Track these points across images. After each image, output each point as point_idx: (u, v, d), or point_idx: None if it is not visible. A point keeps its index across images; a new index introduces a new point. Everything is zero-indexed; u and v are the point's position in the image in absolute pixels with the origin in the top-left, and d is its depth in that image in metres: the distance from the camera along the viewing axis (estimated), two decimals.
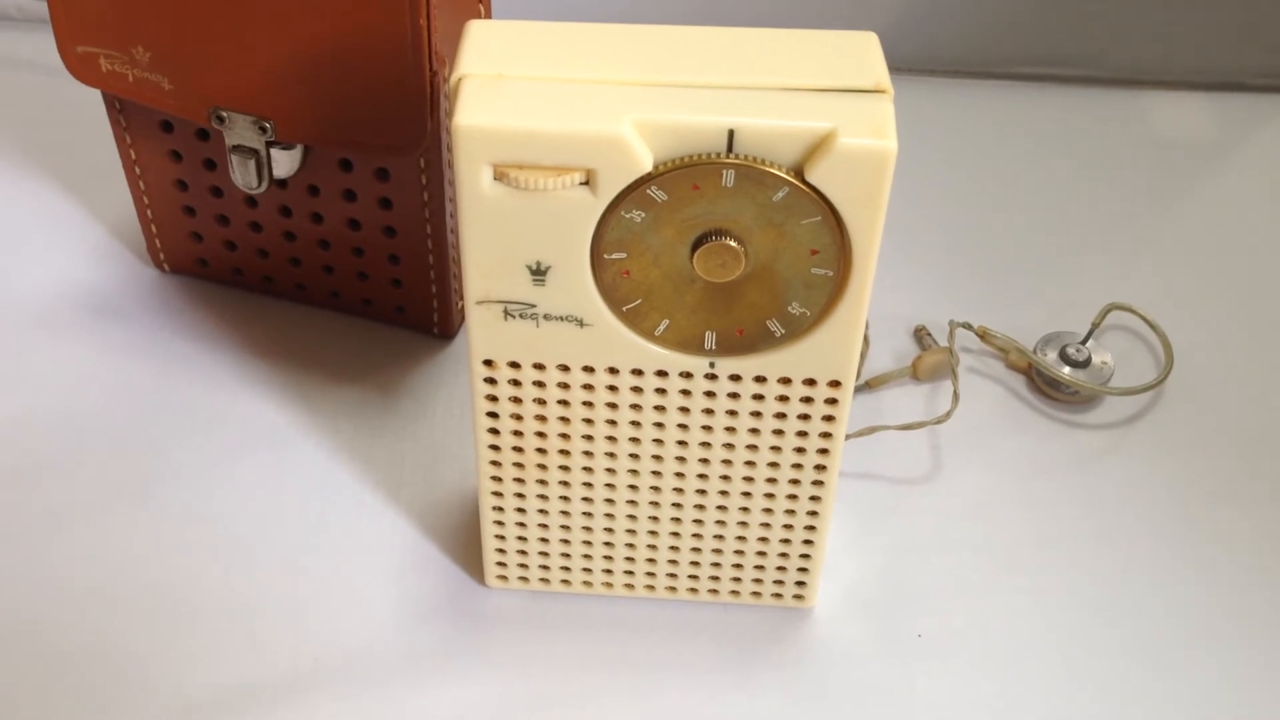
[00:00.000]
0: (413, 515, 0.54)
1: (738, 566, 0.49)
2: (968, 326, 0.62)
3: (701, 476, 0.46)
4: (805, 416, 0.44)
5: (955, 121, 0.78)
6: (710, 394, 0.43)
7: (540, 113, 0.37)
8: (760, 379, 0.43)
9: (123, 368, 0.60)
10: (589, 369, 0.43)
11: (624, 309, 0.41)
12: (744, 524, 0.48)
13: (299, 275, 0.62)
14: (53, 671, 0.49)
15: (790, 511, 0.47)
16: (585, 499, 0.47)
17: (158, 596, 0.51)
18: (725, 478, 0.46)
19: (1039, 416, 0.60)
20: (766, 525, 0.48)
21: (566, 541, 0.49)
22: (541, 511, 0.48)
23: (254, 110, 0.54)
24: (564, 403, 0.44)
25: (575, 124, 0.37)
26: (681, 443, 0.45)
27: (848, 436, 0.55)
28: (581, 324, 0.42)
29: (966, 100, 0.79)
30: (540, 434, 0.45)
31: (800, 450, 0.45)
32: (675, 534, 0.48)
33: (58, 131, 0.73)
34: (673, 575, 0.50)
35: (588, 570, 0.50)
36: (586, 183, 0.38)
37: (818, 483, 0.46)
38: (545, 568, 0.50)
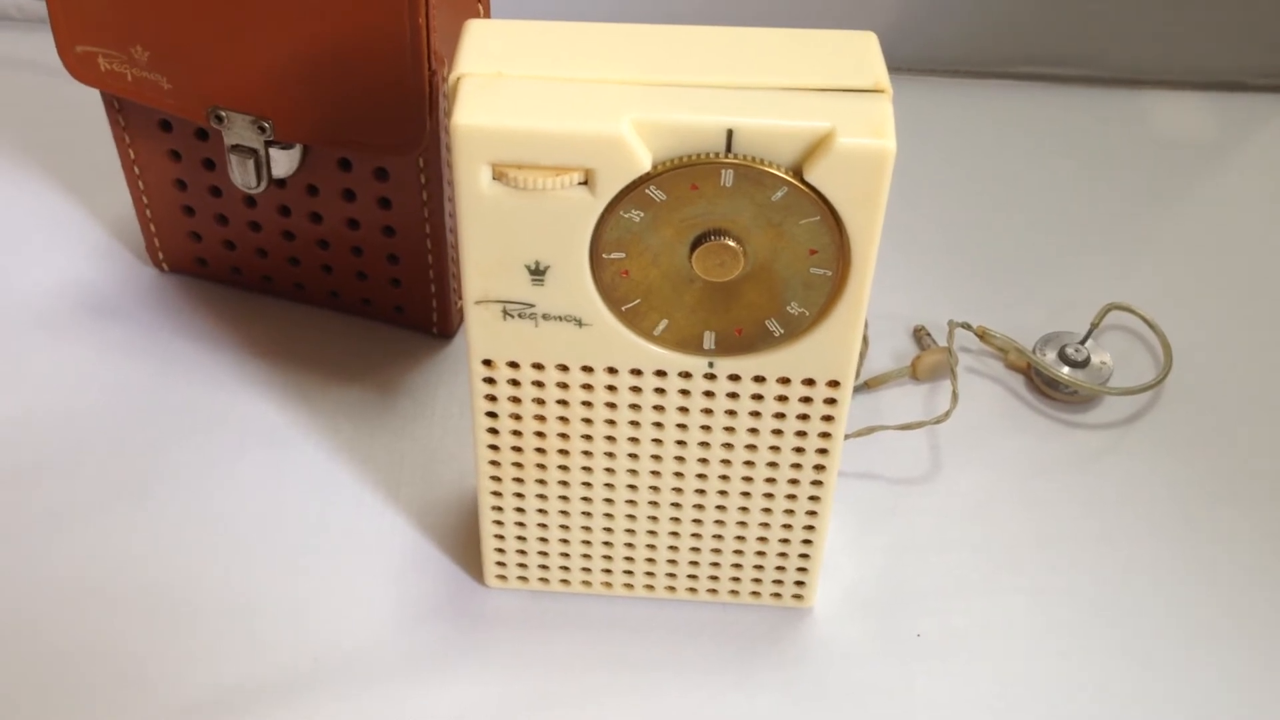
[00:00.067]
0: (412, 515, 0.54)
1: (737, 566, 0.49)
2: (967, 326, 0.62)
3: (700, 476, 0.46)
4: (804, 416, 0.44)
5: (955, 121, 0.78)
6: (709, 394, 0.43)
7: (539, 112, 0.37)
8: (759, 379, 0.43)
9: (122, 367, 0.60)
10: (588, 369, 0.43)
11: (623, 309, 0.41)
12: (743, 524, 0.48)
13: (298, 275, 0.62)
14: (53, 671, 0.49)
15: (789, 511, 0.47)
16: (584, 499, 0.47)
17: (157, 596, 0.51)
18: (724, 477, 0.46)
19: (1038, 416, 0.60)
20: (766, 525, 0.48)
21: (566, 541, 0.49)
22: (541, 511, 0.48)
23: (253, 110, 0.54)
24: (563, 402, 0.44)
25: (574, 123, 0.37)
26: (680, 442, 0.45)
27: (847, 436, 0.55)
28: (580, 324, 0.42)
29: (966, 100, 0.79)
30: (539, 434, 0.45)
31: (799, 450, 0.45)
32: (674, 534, 0.48)
33: (57, 131, 0.73)
34: (672, 575, 0.50)
35: (587, 570, 0.50)
36: (585, 182, 0.38)
37: (817, 482, 0.46)
38: (545, 567, 0.50)
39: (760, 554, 0.49)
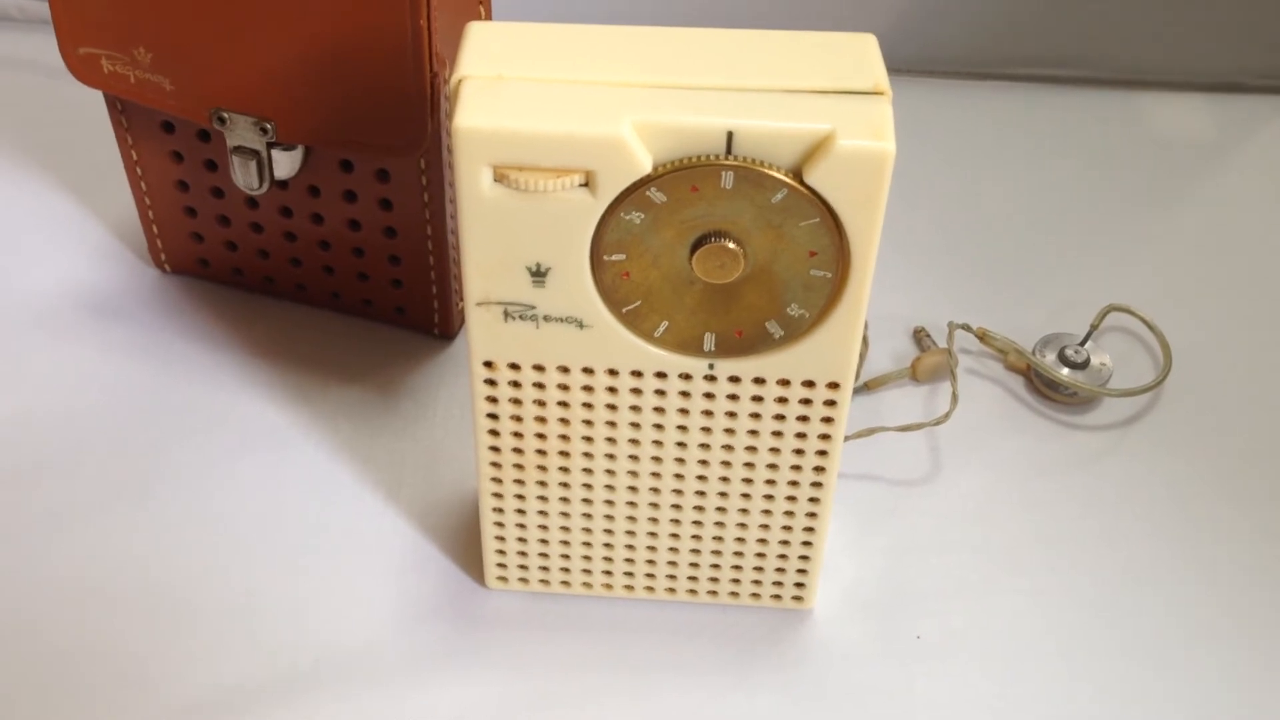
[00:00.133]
0: (413, 516, 0.54)
1: (737, 568, 0.49)
2: (967, 328, 0.62)
3: (701, 478, 0.46)
4: (804, 418, 0.44)
5: (954, 122, 0.78)
6: (709, 395, 0.43)
7: (540, 114, 0.37)
8: (759, 380, 0.43)
9: (123, 368, 0.60)
10: (589, 370, 0.43)
11: (623, 310, 0.41)
12: (743, 525, 0.48)
13: (299, 276, 0.62)
14: (53, 671, 0.49)
15: (789, 513, 0.47)
16: (585, 500, 0.47)
17: (158, 596, 0.51)
18: (724, 479, 0.46)
19: (1038, 417, 0.60)
20: (766, 526, 0.48)
21: (566, 543, 0.49)
22: (541, 513, 0.48)
23: (255, 111, 0.54)
24: (564, 404, 0.44)
25: (575, 126, 0.37)
26: (681, 444, 0.45)
27: (847, 438, 0.55)
28: (581, 325, 0.42)
29: (966, 101, 0.79)
30: (540, 435, 0.45)
31: (799, 451, 0.45)
32: (675, 535, 0.48)
33: (59, 132, 0.73)
34: (672, 576, 0.50)
35: (587, 571, 0.50)
36: (586, 184, 0.38)
37: (817, 484, 0.46)
38: (545, 569, 0.50)
39: (760, 555, 0.49)
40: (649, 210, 0.39)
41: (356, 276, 0.61)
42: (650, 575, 0.50)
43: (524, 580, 0.51)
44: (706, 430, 0.44)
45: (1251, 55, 0.80)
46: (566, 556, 0.50)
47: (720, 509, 0.47)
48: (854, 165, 0.37)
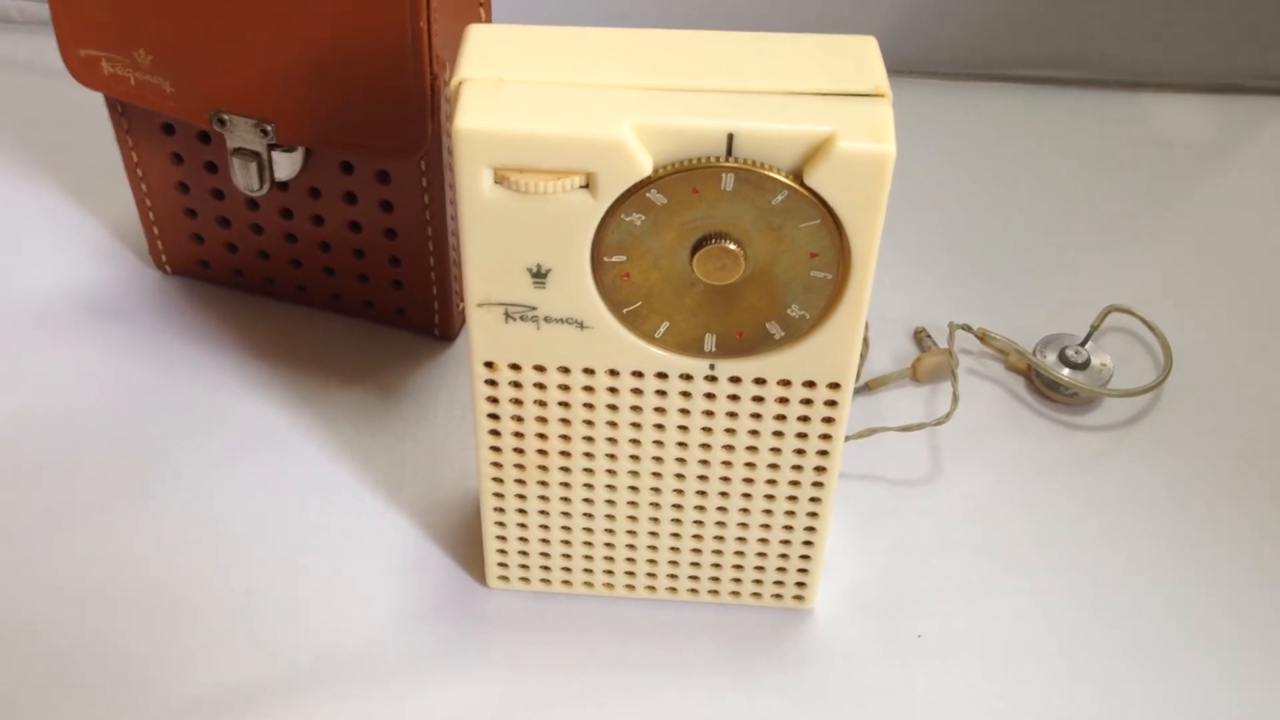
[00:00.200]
0: (413, 516, 0.54)
1: (738, 568, 0.49)
2: (967, 328, 0.62)
3: (702, 478, 0.46)
4: (805, 418, 0.44)
5: (955, 123, 0.78)
6: (710, 396, 0.43)
7: (540, 116, 0.37)
8: (760, 381, 0.43)
9: (123, 368, 0.60)
10: (589, 371, 0.43)
11: (624, 311, 0.41)
12: (744, 525, 0.48)
13: (300, 277, 0.62)
14: (53, 671, 0.49)
15: (790, 513, 0.47)
16: (586, 500, 0.47)
17: (158, 596, 0.51)
18: (725, 479, 0.46)
19: (1038, 418, 0.60)
20: (766, 526, 0.48)
21: (567, 543, 0.49)
22: (542, 513, 0.48)
23: (255, 113, 0.54)
24: (564, 404, 0.44)
25: (575, 128, 0.37)
26: (682, 444, 0.45)
27: (847, 438, 0.55)
28: (582, 326, 0.42)
29: (966, 102, 0.79)
30: (541, 435, 0.45)
31: (800, 452, 0.45)
32: (675, 535, 0.48)
33: (59, 134, 0.73)
34: (673, 576, 0.50)
35: (588, 571, 0.50)
36: (586, 186, 0.38)
37: (818, 484, 0.46)
38: (546, 568, 0.50)
39: (761, 555, 0.49)
40: (649, 212, 0.39)
41: (357, 278, 0.61)
42: (651, 575, 0.50)
43: (525, 580, 0.51)
44: (707, 431, 0.44)
45: (1251, 56, 0.80)
46: (567, 556, 0.50)
47: (721, 509, 0.47)
48: (854, 167, 0.37)
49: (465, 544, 0.53)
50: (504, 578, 0.51)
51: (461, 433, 0.58)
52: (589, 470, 0.46)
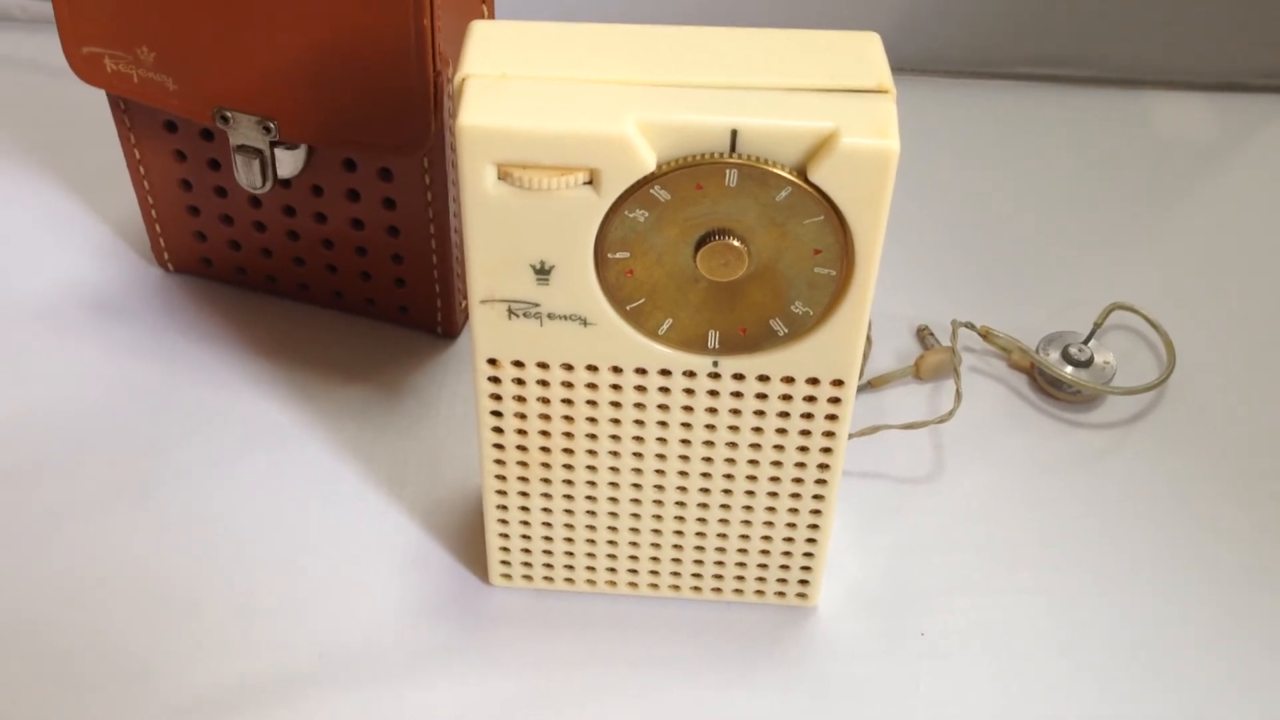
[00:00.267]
0: (416, 514, 0.54)
1: (741, 565, 0.49)
2: (970, 326, 0.62)
3: (705, 475, 0.46)
4: (808, 415, 0.44)
5: (957, 121, 0.78)
6: (713, 393, 0.43)
7: (544, 113, 0.37)
8: (763, 378, 0.43)
9: (126, 366, 0.60)
10: (592, 368, 0.43)
11: (627, 308, 0.41)
12: (747, 523, 0.48)
13: (302, 275, 0.62)
14: (53, 671, 0.49)
15: (793, 510, 0.47)
16: (589, 497, 0.47)
17: (159, 595, 0.51)
18: (728, 476, 0.46)
19: (1041, 416, 0.60)
20: (769, 524, 0.48)
21: (570, 540, 0.49)
22: (545, 510, 0.48)
23: (258, 110, 0.54)
24: (567, 401, 0.44)
25: (579, 124, 0.37)
26: (685, 441, 0.45)
27: (850, 436, 0.55)
28: (585, 323, 0.42)
29: (968, 100, 0.79)
30: (544, 433, 0.45)
31: (803, 449, 0.45)
32: (679, 532, 0.48)
33: (62, 131, 0.73)
34: (676, 574, 0.50)
35: (591, 569, 0.50)
36: (590, 182, 0.38)
37: (821, 481, 0.46)
38: (549, 566, 0.50)
39: (764, 553, 0.49)
40: (653, 208, 0.39)
41: (360, 275, 0.61)
42: (654, 572, 0.50)
43: (527, 578, 0.51)
44: (710, 428, 0.44)
45: (1253, 54, 0.80)
46: (570, 554, 0.50)
47: (724, 506, 0.47)
48: (858, 163, 0.37)
49: (468, 542, 0.53)
50: (506, 575, 0.51)
51: (464, 430, 0.58)
52: (592, 468, 0.46)
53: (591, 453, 0.46)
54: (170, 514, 0.54)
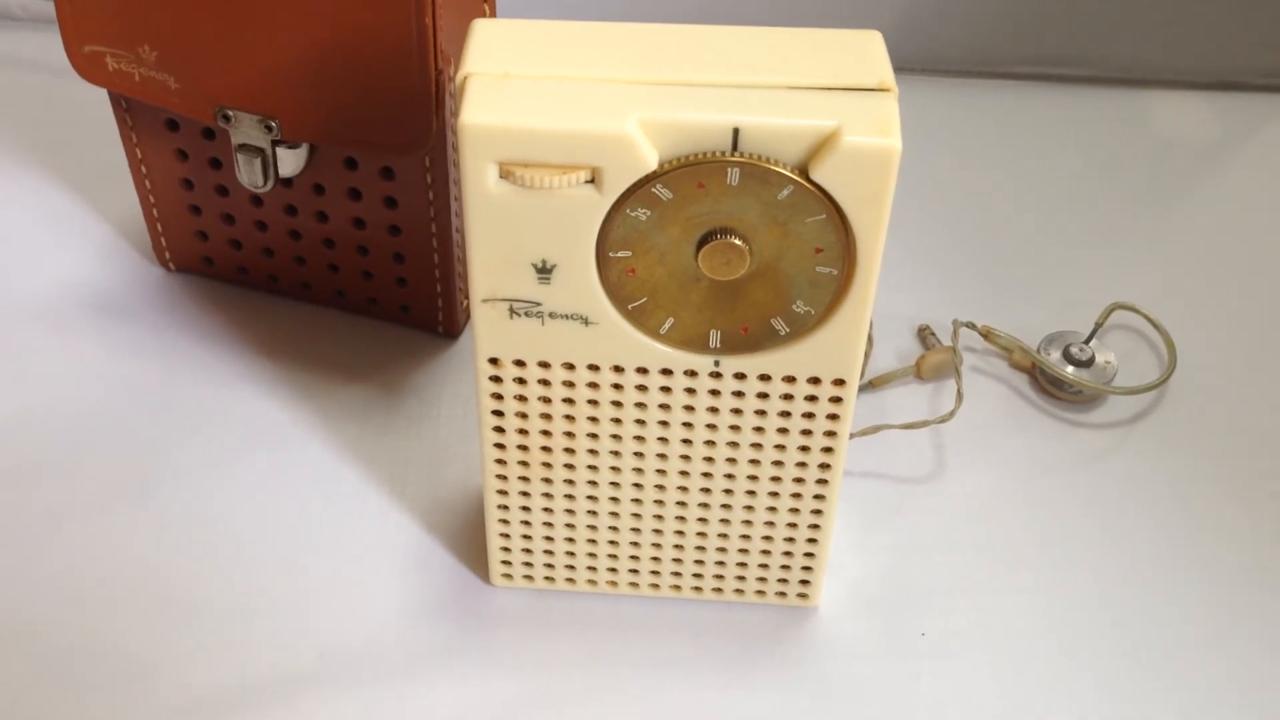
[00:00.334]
0: (417, 514, 0.54)
1: (742, 565, 0.49)
2: (971, 326, 0.62)
3: (706, 475, 0.46)
4: (809, 415, 0.44)
5: (958, 121, 0.78)
6: (715, 392, 0.43)
7: (546, 111, 0.37)
8: (765, 377, 0.43)
9: (127, 366, 0.60)
10: (594, 367, 0.43)
11: (629, 307, 0.41)
12: (748, 523, 0.48)
13: (304, 274, 0.62)
14: (53, 671, 0.49)
15: (794, 510, 0.47)
16: (590, 497, 0.47)
17: (160, 595, 0.51)
18: (729, 476, 0.46)
19: (1042, 416, 0.60)
20: (770, 524, 0.48)
21: (571, 540, 0.49)
22: (546, 510, 0.48)
23: (260, 109, 0.54)
24: (569, 401, 0.44)
25: (581, 122, 0.37)
26: (686, 441, 0.45)
27: (851, 435, 0.55)
28: (586, 322, 0.42)
29: (969, 100, 0.79)
30: (545, 432, 0.45)
31: (804, 449, 0.45)
32: (679, 532, 0.48)
33: (63, 130, 0.73)
34: (677, 574, 0.50)
35: (592, 569, 0.50)
36: (592, 181, 0.38)
37: (822, 481, 0.46)
38: (550, 566, 0.50)
39: (765, 553, 0.49)
40: (655, 207, 0.39)
41: (361, 275, 0.61)
42: (655, 572, 0.50)
43: (529, 578, 0.51)
44: (712, 427, 0.44)
45: (1254, 54, 0.80)
46: (571, 554, 0.50)
47: (725, 506, 0.47)
48: (860, 162, 0.37)
49: (469, 542, 0.53)
50: (507, 575, 0.51)
51: (465, 430, 0.58)
52: (593, 467, 0.46)
53: (593, 452, 0.46)
54: (170, 514, 0.54)
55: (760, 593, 0.51)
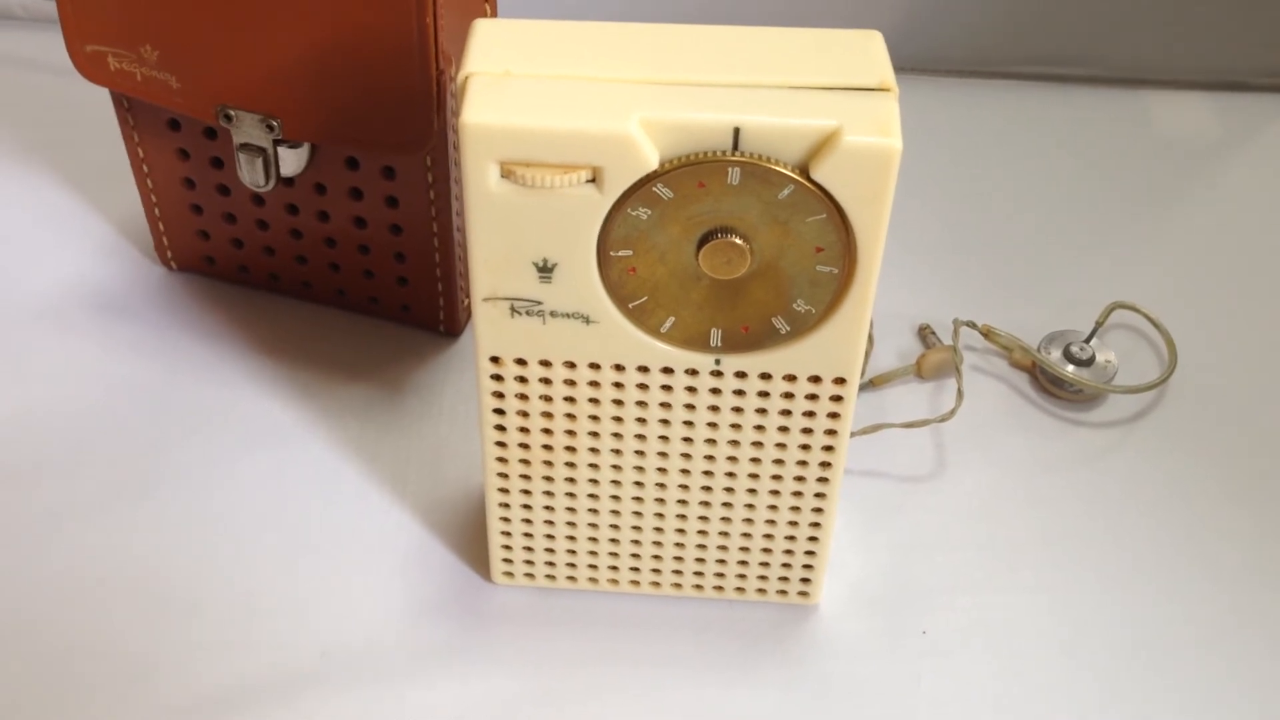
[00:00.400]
0: (418, 512, 0.54)
1: (743, 563, 0.49)
2: (972, 325, 0.62)
3: (707, 474, 0.46)
4: (810, 414, 0.44)
5: (959, 121, 0.78)
6: (715, 391, 0.43)
7: (547, 110, 0.37)
8: (765, 376, 0.43)
9: (129, 365, 0.60)
10: (595, 366, 0.43)
11: (630, 306, 0.41)
12: (749, 521, 0.48)
13: (305, 273, 0.62)
14: (53, 671, 0.49)
15: (795, 509, 0.47)
16: (591, 496, 0.47)
17: (160, 595, 0.51)
18: (730, 475, 0.46)
19: (1043, 415, 0.60)
20: (771, 522, 0.48)
21: (572, 538, 0.49)
22: (547, 508, 0.48)
23: (261, 108, 0.54)
24: (570, 400, 0.44)
25: (582, 122, 0.37)
26: (687, 440, 0.45)
27: (852, 434, 0.55)
28: (587, 321, 0.42)
29: (970, 99, 0.79)
30: (546, 431, 0.45)
31: (805, 447, 0.45)
32: (680, 531, 0.48)
33: (65, 130, 0.73)
34: (678, 572, 0.50)
35: (593, 567, 0.50)
36: (593, 180, 0.38)
37: (823, 480, 0.46)
38: (551, 564, 0.50)
39: (766, 551, 0.49)
40: (656, 206, 0.39)
41: (362, 274, 0.61)
42: (656, 571, 0.50)
43: (530, 576, 0.51)
44: (712, 426, 0.44)
45: (1255, 54, 0.80)
46: (572, 552, 0.50)
47: (726, 504, 0.47)
48: (860, 161, 0.37)
49: (470, 540, 0.53)
50: (509, 574, 0.51)
51: (466, 429, 0.58)
52: (594, 466, 0.46)
53: (594, 451, 0.46)
54: (171, 513, 0.54)
55: (761, 591, 0.51)
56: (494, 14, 0.55)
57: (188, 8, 0.52)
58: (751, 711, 0.48)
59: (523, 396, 0.44)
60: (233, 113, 0.55)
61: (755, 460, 0.45)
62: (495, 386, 0.44)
